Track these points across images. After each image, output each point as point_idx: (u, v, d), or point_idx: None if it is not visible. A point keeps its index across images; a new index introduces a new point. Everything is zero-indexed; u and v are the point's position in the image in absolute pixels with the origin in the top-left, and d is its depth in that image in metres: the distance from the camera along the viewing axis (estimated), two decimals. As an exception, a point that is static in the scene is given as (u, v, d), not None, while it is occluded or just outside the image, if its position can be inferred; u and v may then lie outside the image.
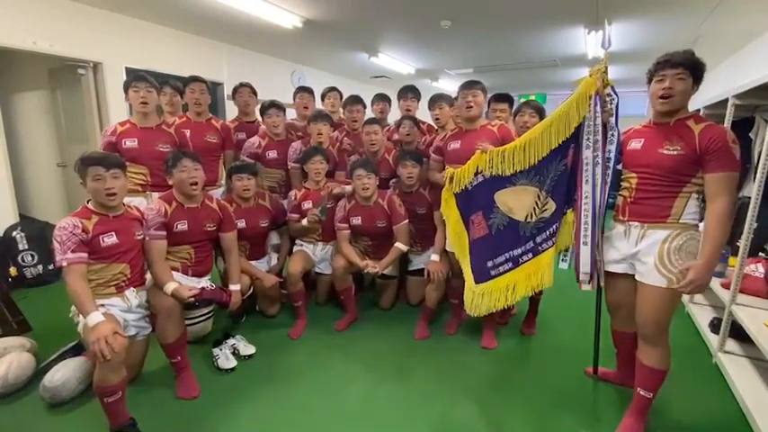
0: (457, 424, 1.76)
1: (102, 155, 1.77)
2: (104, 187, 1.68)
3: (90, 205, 1.73)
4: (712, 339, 2.30)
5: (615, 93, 1.67)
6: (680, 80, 1.47)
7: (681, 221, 1.51)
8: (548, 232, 1.87)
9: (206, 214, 2.17)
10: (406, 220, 2.52)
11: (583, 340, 2.24)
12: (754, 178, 2.01)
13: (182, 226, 2.08)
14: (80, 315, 1.69)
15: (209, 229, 2.17)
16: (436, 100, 2.52)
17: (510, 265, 1.94)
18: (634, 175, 1.60)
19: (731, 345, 2.19)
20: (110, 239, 1.72)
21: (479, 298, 1.99)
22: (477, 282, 2.01)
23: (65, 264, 1.59)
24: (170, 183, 2.12)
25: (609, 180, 1.70)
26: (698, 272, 1.42)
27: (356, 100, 3.00)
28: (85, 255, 1.64)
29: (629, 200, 1.62)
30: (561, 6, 3.57)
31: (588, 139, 1.69)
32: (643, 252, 1.56)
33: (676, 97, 1.48)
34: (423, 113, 3.04)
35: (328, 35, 4.50)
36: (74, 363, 1.91)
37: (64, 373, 1.83)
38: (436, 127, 2.69)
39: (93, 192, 1.70)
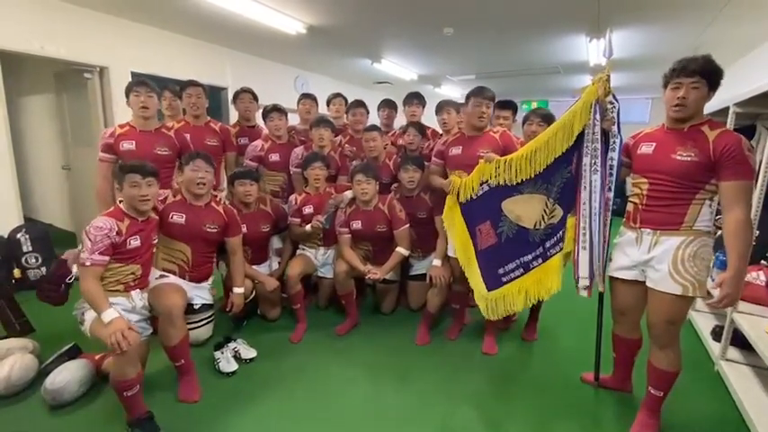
0: (457, 429, 1.76)
1: (140, 163, 1.83)
2: (139, 194, 1.77)
3: (122, 207, 1.80)
4: (714, 347, 2.29)
5: (616, 99, 1.68)
6: (695, 89, 1.43)
7: (694, 228, 1.49)
8: (555, 237, 1.89)
9: (208, 214, 2.16)
10: (407, 225, 2.52)
11: (583, 347, 2.23)
12: (756, 186, 2.02)
13: (178, 218, 2.08)
14: (84, 314, 1.72)
15: (209, 229, 2.16)
16: (444, 105, 2.56)
17: (521, 270, 1.97)
18: (645, 180, 1.58)
19: (733, 353, 2.18)
20: (135, 242, 1.79)
21: (494, 303, 2.03)
22: (489, 289, 2.04)
23: (88, 263, 1.63)
24: (179, 179, 2.14)
25: (612, 187, 1.70)
26: (730, 286, 1.39)
27: (359, 104, 3.04)
28: (108, 258, 1.69)
29: (640, 206, 1.59)
30: (562, 14, 3.59)
31: (587, 146, 1.70)
32: (657, 259, 1.54)
33: (690, 106, 1.45)
34: (427, 119, 3.06)
35: (331, 41, 4.54)
36: (75, 365, 1.92)
37: (65, 376, 1.83)
38: (441, 132, 2.71)
39: (128, 197, 1.78)
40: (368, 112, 3.08)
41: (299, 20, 3.79)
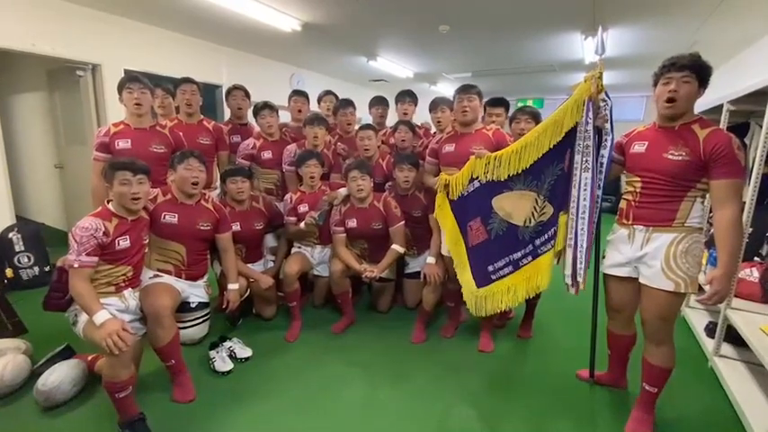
0: (454, 427, 1.77)
1: (131, 160, 1.78)
2: (130, 192, 1.73)
3: (111, 206, 1.76)
4: (708, 343, 2.31)
5: (608, 97, 1.68)
6: (686, 83, 1.45)
7: (686, 225, 1.51)
8: (546, 235, 1.88)
9: (200, 213, 2.14)
10: (402, 222, 2.52)
11: (579, 344, 2.24)
12: (749, 183, 2.03)
13: (170, 218, 2.05)
14: (77, 316, 1.70)
15: (202, 227, 2.14)
16: (438, 104, 2.53)
17: (510, 268, 1.97)
18: (638, 179, 1.59)
19: (727, 349, 2.19)
20: (124, 243, 1.75)
21: (482, 301, 2.03)
22: (479, 286, 2.04)
23: (76, 265, 1.60)
24: (171, 178, 2.11)
25: (601, 185, 1.70)
26: (720, 283, 1.41)
27: (347, 103, 2.98)
28: (96, 259, 1.66)
29: (633, 203, 1.61)
30: (558, 12, 3.60)
31: (579, 144, 1.70)
32: (650, 255, 1.55)
33: (681, 101, 1.46)
34: (419, 117, 3.05)
35: (327, 39, 4.52)
36: (67, 365, 1.90)
37: (57, 376, 1.82)
38: (434, 131, 2.69)
39: (118, 195, 1.74)
40: (355, 109, 3.05)
41: (294, 17, 3.77)
